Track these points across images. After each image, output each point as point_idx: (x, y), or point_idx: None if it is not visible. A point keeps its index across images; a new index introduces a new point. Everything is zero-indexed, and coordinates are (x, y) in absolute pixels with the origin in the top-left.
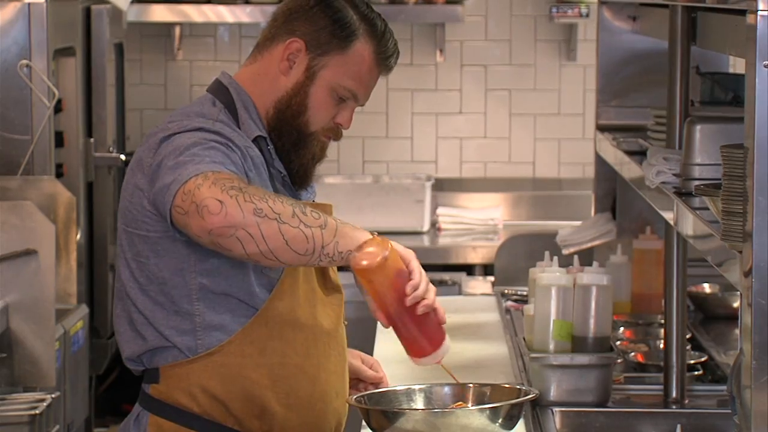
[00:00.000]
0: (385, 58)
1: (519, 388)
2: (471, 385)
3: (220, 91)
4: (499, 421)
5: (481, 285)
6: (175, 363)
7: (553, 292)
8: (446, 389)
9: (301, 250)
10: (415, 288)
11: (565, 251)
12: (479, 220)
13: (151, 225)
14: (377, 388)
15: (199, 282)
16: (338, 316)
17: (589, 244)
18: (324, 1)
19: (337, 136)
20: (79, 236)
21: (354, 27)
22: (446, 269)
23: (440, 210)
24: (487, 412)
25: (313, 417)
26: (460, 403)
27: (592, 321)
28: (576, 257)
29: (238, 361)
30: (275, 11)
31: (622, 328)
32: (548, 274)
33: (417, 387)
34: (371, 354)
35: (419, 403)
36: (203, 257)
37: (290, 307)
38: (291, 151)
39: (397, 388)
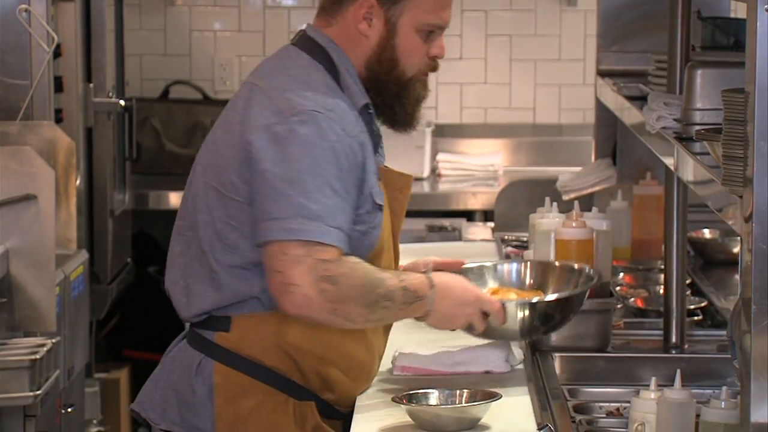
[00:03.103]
0: None
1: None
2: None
3: (316, 50)
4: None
5: (481, 231)
6: (251, 314)
7: (553, 237)
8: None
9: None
10: None
11: (565, 197)
12: (479, 166)
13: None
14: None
15: None
16: None
17: (590, 190)
18: None
19: (435, 67)
20: (78, 182)
21: None
22: (446, 215)
23: (440, 156)
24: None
25: (366, 381)
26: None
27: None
28: (576, 203)
29: (311, 325)
30: None
31: (622, 274)
32: (548, 220)
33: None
34: None
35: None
36: None
37: None
38: (394, 103)
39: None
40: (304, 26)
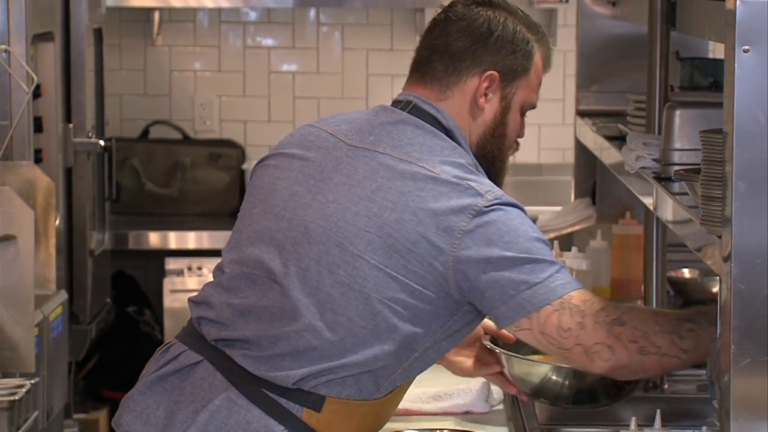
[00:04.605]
0: (549, 58)
1: None
2: None
3: (436, 125)
4: None
5: None
6: (347, 400)
7: None
8: None
9: (672, 371)
10: None
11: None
12: None
13: (433, 284)
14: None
15: (434, 345)
16: None
17: (569, 230)
18: (499, 27)
19: (518, 147)
20: (57, 222)
21: (530, 44)
22: None
23: None
24: None
25: None
26: None
27: None
28: (556, 242)
29: (384, 409)
30: (445, 39)
31: None
32: None
33: None
34: None
35: None
36: (462, 326)
37: None
38: (496, 180)
39: None
40: (409, 96)
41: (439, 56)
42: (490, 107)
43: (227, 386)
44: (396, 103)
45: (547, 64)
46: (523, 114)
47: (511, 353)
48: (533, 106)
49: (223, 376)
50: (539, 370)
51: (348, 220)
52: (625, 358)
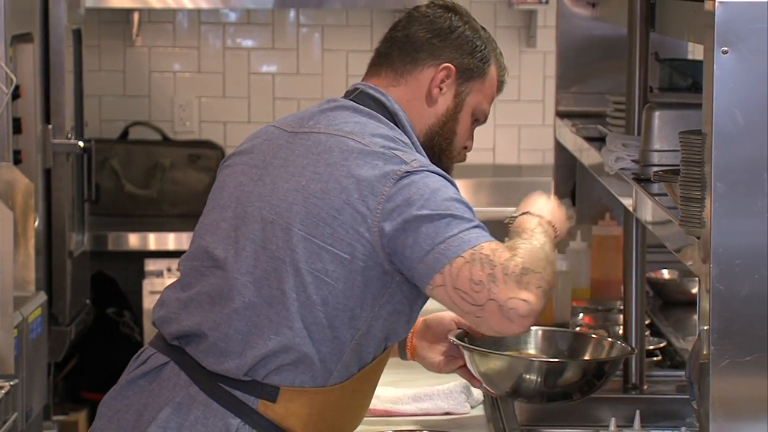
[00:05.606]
0: (503, 76)
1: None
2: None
3: (380, 108)
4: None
5: None
6: (302, 388)
7: None
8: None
9: None
10: None
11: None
12: None
13: (361, 252)
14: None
15: (375, 321)
16: None
17: None
18: (461, 27)
19: (464, 158)
20: (36, 223)
21: (488, 51)
22: None
23: None
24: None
25: None
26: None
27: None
28: None
29: (347, 398)
30: (406, 32)
31: (581, 314)
32: None
33: None
34: None
35: None
36: (401, 302)
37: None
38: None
39: None
40: (357, 85)
41: (398, 46)
42: (444, 100)
43: (189, 383)
44: (345, 94)
45: (500, 82)
46: (474, 121)
47: (471, 346)
48: (485, 116)
49: (187, 374)
50: (497, 362)
51: (280, 197)
52: (538, 306)
